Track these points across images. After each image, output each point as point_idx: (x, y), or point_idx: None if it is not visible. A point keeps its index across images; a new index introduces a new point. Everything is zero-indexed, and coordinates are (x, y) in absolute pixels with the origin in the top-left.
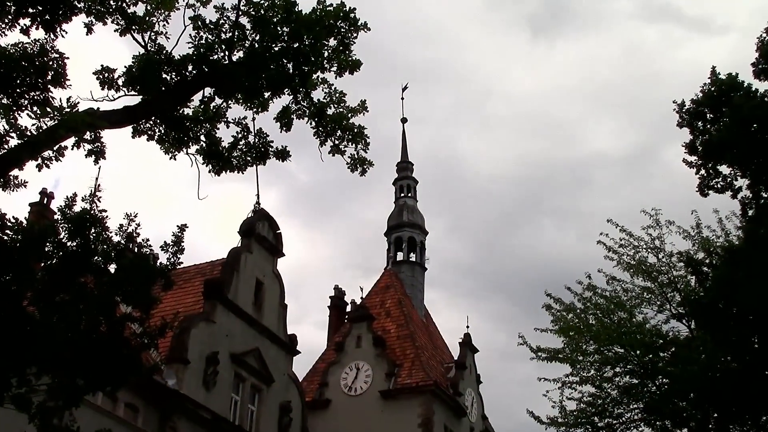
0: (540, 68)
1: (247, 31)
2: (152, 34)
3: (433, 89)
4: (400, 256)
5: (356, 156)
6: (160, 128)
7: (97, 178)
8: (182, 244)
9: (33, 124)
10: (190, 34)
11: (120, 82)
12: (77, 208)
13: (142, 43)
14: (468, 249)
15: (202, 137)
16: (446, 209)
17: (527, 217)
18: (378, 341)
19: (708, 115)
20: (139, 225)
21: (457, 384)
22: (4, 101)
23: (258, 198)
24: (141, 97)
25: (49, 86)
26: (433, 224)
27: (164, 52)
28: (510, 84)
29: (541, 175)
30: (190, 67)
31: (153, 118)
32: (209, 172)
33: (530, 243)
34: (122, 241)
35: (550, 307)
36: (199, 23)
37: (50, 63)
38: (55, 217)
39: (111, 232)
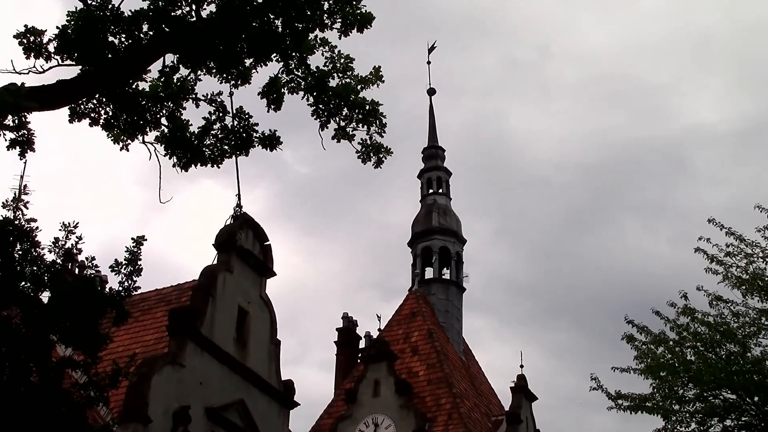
0: (618, 17)
1: None
2: None
3: (470, 48)
4: (429, 272)
5: (369, 142)
6: (107, 109)
7: (22, 177)
8: (139, 262)
9: None
10: None
11: (51, 48)
12: None
13: None
14: (521, 261)
15: (163, 120)
16: (491, 209)
17: (602, 217)
18: (402, 387)
19: None
20: (80, 238)
21: None
22: None
23: (239, 199)
24: (80, 68)
25: None
26: (473, 229)
27: (110, 6)
28: (577, 39)
29: (621, 160)
30: (145, 27)
31: (97, 95)
32: (174, 166)
33: (606, 251)
34: (58, 261)
35: (632, 339)
36: None
37: None
38: None
39: (43, 249)
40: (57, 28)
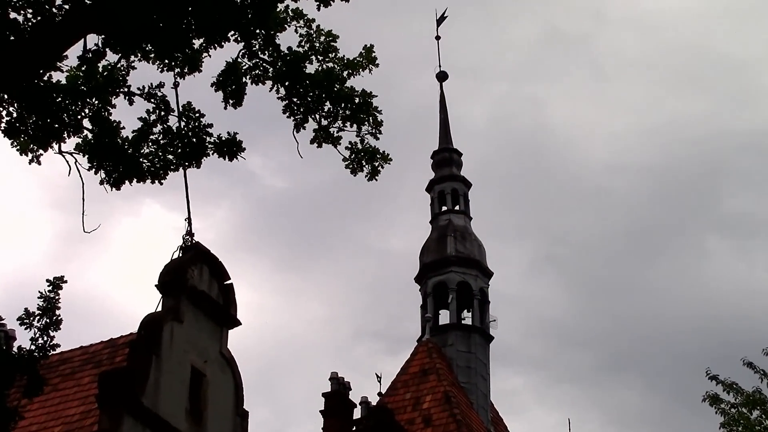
0: None
1: None
2: None
3: (494, 17)
4: (444, 316)
5: (360, 146)
6: (10, 109)
7: None
8: (58, 312)
9: None
10: None
11: None
12: None
13: None
14: (568, 298)
15: (86, 122)
16: (526, 230)
17: (677, 237)
18: None
19: None
20: None
21: None
22: None
23: (190, 225)
24: None
25: None
26: (503, 258)
27: None
28: (639, 1)
29: (702, 160)
30: (58, 0)
31: None
32: (102, 183)
33: (682, 283)
34: None
35: (717, 400)
36: None
37: None
38: None
39: None
40: None
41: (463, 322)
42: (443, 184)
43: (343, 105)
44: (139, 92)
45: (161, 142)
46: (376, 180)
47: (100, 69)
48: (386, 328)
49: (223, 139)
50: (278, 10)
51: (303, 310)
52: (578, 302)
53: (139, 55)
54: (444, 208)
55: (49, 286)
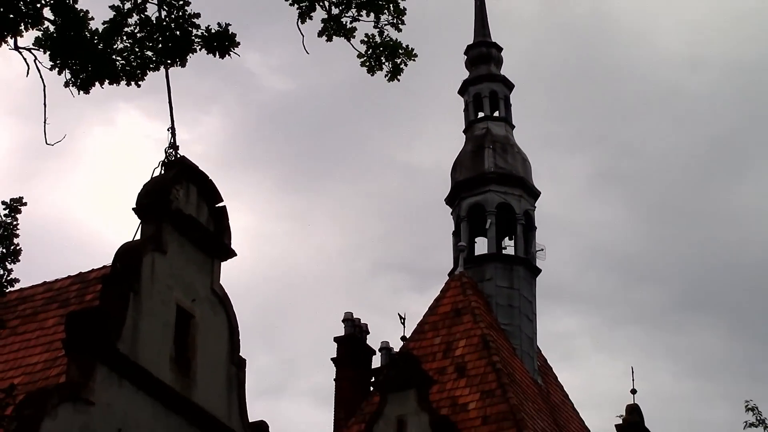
0: None
1: None
2: None
3: None
4: (481, 245)
5: (378, 39)
6: None
7: None
8: (16, 240)
9: None
10: None
11: None
12: None
13: None
14: (634, 222)
15: (47, 12)
16: (583, 140)
17: None
18: (443, 430)
19: None
20: None
21: None
22: None
23: (173, 136)
24: None
25: None
26: (552, 174)
27: None
28: None
29: None
30: None
31: None
32: (66, 86)
33: None
34: None
35: None
36: None
37: None
38: None
39: None
40: None
41: (503, 251)
42: (479, 86)
43: None
44: None
45: (138, 35)
46: (398, 80)
47: None
48: (411, 259)
49: (213, 31)
50: None
51: (311, 238)
52: (646, 228)
53: None
54: (480, 115)
55: (5, 209)
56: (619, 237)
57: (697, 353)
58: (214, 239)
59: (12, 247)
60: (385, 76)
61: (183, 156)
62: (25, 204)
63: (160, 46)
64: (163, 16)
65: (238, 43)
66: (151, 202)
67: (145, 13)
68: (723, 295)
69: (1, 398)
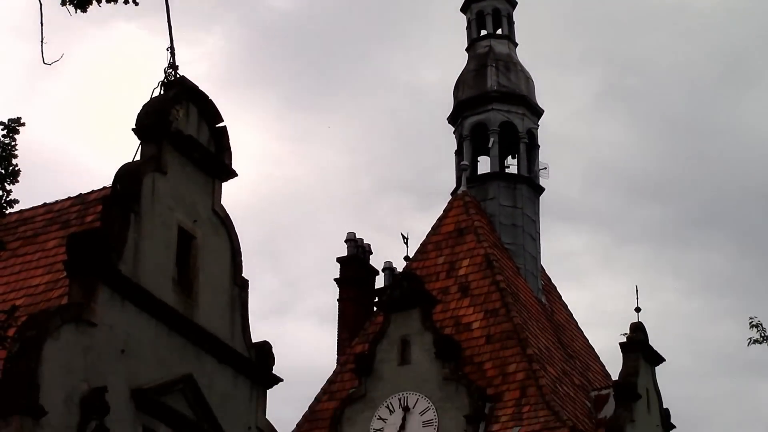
0: None
1: None
2: None
3: None
4: (484, 164)
5: None
6: None
7: None
8: (14, 160)
9: None
10: None
11: None
12: None
13: None
14: (640, 139)
15: None
16: (589, 55)
17: None
18: (446, 349)
19: None
20: None
21: (622, 431)
22: None
23: (173, 55)
24: None
25: None
26: (556, 91)
27: None
28: None
29: None
30: None
31: None
32: (63, 3)
33: None
34: None
35: None
36: None
37: None
38: None
39: None
40: None
41: (506, 170)
42: (482, 3)
43: None
44: None
45: None
46: None
47: None
48: (414, 178)
49: None
50: None
51: (314, 158)
52: (653, 145)
53: None
54: (483, 33)
55: (3, 129)
56: (625, 155)
57: (703, 271)
58: (214, 159)
59: (11, 168)
60: None
61: (183, 76)
62: (23, 124)
63: None
64: None
65: None
66: (151, 122)
67: None
68: (730, 213)
69: (3, 320)
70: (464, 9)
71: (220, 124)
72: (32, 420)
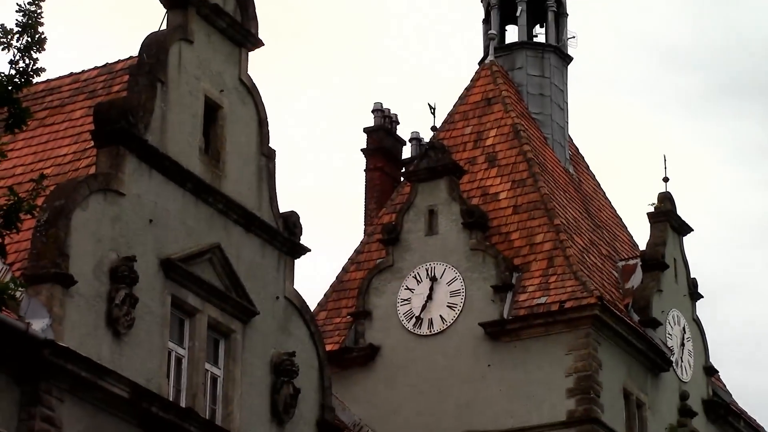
0: None
1: None
2: None
3: None
4: (512, 33)
5: None
6: None
7: None
8: (41, 28)
9: None
10: None
11: None
12: None
13: None
14: (672, 5)
15: None
16: None
17: None
18: (473, 219)
19: None
20: None
21: (649, 301)
22: None
23: None
24: None
25: None
26: None
27: None
28: None
29: None
30: None
31: None
32: None
33: None
34: None
35: None
36: None
37: None
38: None
39: None
40: None
41: (534, 39)
42: None
43: None
44: None
45: None
46: None
47: None
48: (442, 47)
49: None
50: None
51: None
52: (685, 12)
53: None
54: None
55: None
56: (656, 23)
57: (735, 141)
58: (241, 28)
59: (37, 36)
60: None
61: None
62: None
63: None
64: None
65: None
66: None
67: None
68: (764, 82)
69: (30, 190)
70: None
71: None
72: (62, 289)
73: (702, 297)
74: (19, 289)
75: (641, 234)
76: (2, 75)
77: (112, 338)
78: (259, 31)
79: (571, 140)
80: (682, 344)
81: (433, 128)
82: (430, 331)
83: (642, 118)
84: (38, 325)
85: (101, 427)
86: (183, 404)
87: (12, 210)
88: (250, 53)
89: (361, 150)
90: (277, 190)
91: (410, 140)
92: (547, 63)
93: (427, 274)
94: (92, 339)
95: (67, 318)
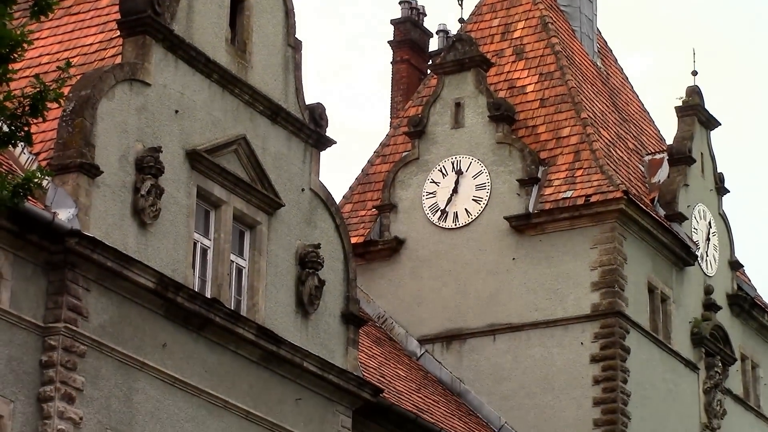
0: None
1: None
2: None
3: None
4: None
5: None
6: None
7: None
8: None
9: None
10: None
11: None
12: None
13: None
14: None
15: None
16: None
17: None
18: (500, 112)
19: None
20: None
21: (675, 195)
22: None
23: None
24: None
25: None
26: None
27: None
28: None
29: None
30: None
31: None
32: None
33: None
34: None
35: None
36: None
37: None
38: None
39: None
40: None
41: None
42: None
43: None
44: None
45: None
46: None
47: None
48: None
49: None
50: None
51: None
52: None
53: None
54: None
55: None
56: None
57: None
58: None
59: None
60: None
61: None
62: None
63: None
64: None
65: None
66: None
67: None
68: None
69: (56, 78)
70: None
71: None
72: (88, 178)
73: (728, 192)
74: (46, 178)
75: (669, 128)
76: None
77: (137, 228)
78: None
79: (599, 33)
80: (708, 239)
81: (461, 20)
82: (455, 225)
83: (671, 10)
84: (64, 214)
85: (127, 317)
86: (208, 295)
87: (38, 98)
88: None
89: (388, 42)
90: (302, 81)
91: (437, 32)
92: None
93: (453, 167)
94: (118, 229)
95: (93, 208)
